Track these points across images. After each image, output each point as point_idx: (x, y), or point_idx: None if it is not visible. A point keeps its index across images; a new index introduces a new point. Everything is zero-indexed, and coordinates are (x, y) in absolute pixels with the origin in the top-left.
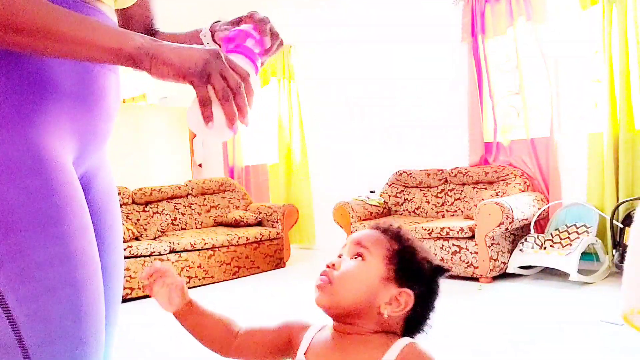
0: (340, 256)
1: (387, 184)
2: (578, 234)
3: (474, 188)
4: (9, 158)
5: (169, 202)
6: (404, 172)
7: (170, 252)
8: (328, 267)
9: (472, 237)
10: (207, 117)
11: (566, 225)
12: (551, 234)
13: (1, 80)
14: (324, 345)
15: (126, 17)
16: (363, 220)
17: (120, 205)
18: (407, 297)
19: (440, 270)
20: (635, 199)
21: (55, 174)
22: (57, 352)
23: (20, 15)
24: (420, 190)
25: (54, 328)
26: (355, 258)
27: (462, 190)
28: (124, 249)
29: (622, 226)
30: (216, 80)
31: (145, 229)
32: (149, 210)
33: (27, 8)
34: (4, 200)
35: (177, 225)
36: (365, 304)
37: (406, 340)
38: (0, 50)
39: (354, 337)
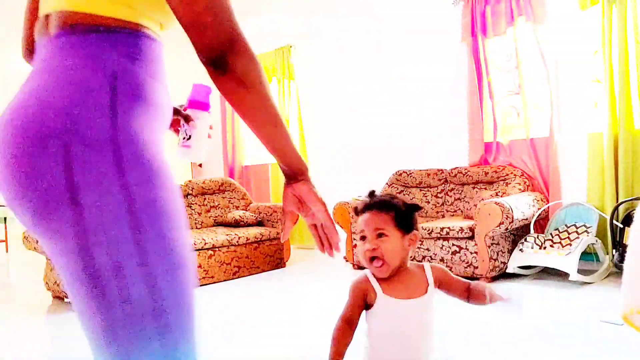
0: (364, 237)
1: (387, 184)
2: (578, 234)
3: (473, 188)
4: (158, 164)
5: None
6: (404, 172)
7: None
8: (370, 250)
9: (472, 237)
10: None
11: (566, 225)
12: (551, 234)
13: (144, 105)
14: (388, 283)
15: None
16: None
17: None
18: (415, 235)
19: (415, 207)
20: (635, 199)
21: (173, 178)
22: (176, 319)
23: (273, 110)
24: (420, 190)
25: (178, 298)
26: (379, 237)
27: (462, 190)
28: None
29: (622, 226)
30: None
31: None
32: None
33: (273, 106)
34: (156, 196)
35: None
36: (403, 256)
37: (427, 264)
38: (138, 81)
39: (399, 272)
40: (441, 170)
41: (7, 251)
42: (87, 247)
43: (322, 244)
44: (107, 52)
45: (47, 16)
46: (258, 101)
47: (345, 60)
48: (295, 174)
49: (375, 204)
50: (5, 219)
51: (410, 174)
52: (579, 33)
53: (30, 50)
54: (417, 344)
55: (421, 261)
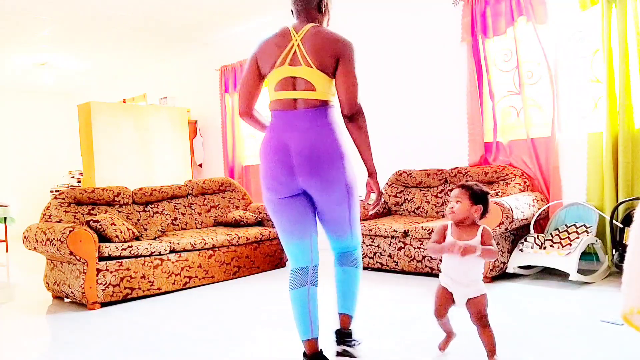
0: (449, 202)
1: (387, 184)
2: (578, 233)
3: None
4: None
5: (169, 202)
6: (404, 172)
7: (171, 252)
8: (451, 208)
9: None
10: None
11: (566, 225)
12: (551, 234)
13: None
14: (455, 230)
15: None
16: (363, 220)
17: (120, 205)
18: (479, 208)
19: (487, 192)
20: (635, 199)
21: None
22: (358, 231)
23: (369, 140)
24: (420, 190)
25: (357, 223)
26: (457, 203)
27: None
28: (124, 249)
29: (621, 226)
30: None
31: (146, 229)
32: (149, 210)
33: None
34: (354, 175)
35: (177, 225)
36: (467, 216)
37: (482, 226)
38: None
39: (464, 226)
40: (441, 170)
41: (7, 251)
42: (352, 196)
43: (369, 205)
44: (334, 115)
45: (295, 100)
46: (365, 137)
47: None
48: (372, 174)
49: (462, 185)
50: (5, 219)
51: (410, 174)
52: (579, 33)
53: (250, 110)
54: (463, 268)
55: (421, 260)
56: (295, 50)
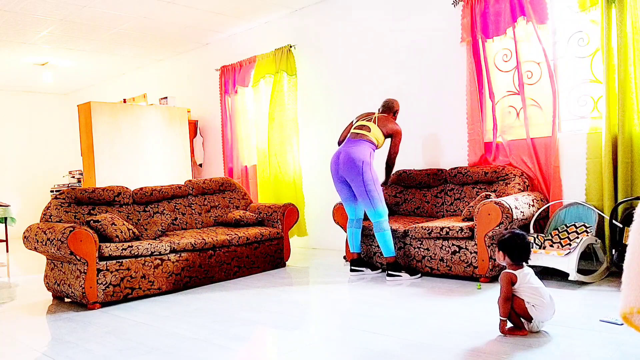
0: None
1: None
2: (577, 233)
3: (473, 188)
4: (374, 170)
5: (169, 202)
6: (403, 172)
7: (171, 252)
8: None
9: (471, 237)
10: None
11: (565, 225)
12: (551, 234)
13: (372, 158)
14: None
15: None
16: (363, 220)
17: (121, 205)
18: (502, 254)
19: (503, 237)
20: (635, 199)
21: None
22: (383, 202)
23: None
24: (420, 190)
25: (377, 204)
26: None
27: (461, 190)
28: (125, 249)
29: (621, 226)
30: None
31: (146, 229)
32: (149, 210)
33: None
34: (376, 178)
35: (177, 225)
36: (503, 261)
37: (504, 271)
38: (373, 156)
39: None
40: (441, 170)
41: (7, 251)
42: (368, 187)
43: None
44: (373, 147)
45: (356, 134)
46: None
47: (345, 60)
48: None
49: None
50: (5, 219)
51: (410, 174)
52: (579, 33)
53: (343, 140)
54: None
55: (421, 260)
56: (373, 117)
